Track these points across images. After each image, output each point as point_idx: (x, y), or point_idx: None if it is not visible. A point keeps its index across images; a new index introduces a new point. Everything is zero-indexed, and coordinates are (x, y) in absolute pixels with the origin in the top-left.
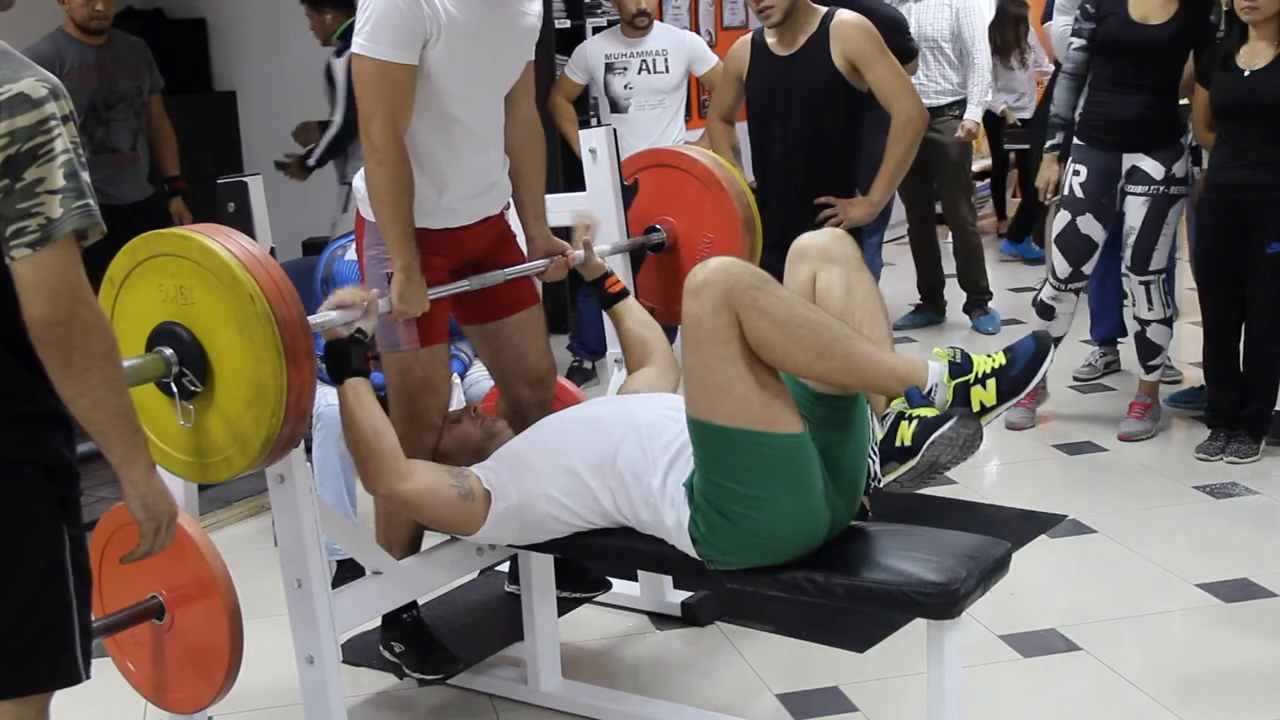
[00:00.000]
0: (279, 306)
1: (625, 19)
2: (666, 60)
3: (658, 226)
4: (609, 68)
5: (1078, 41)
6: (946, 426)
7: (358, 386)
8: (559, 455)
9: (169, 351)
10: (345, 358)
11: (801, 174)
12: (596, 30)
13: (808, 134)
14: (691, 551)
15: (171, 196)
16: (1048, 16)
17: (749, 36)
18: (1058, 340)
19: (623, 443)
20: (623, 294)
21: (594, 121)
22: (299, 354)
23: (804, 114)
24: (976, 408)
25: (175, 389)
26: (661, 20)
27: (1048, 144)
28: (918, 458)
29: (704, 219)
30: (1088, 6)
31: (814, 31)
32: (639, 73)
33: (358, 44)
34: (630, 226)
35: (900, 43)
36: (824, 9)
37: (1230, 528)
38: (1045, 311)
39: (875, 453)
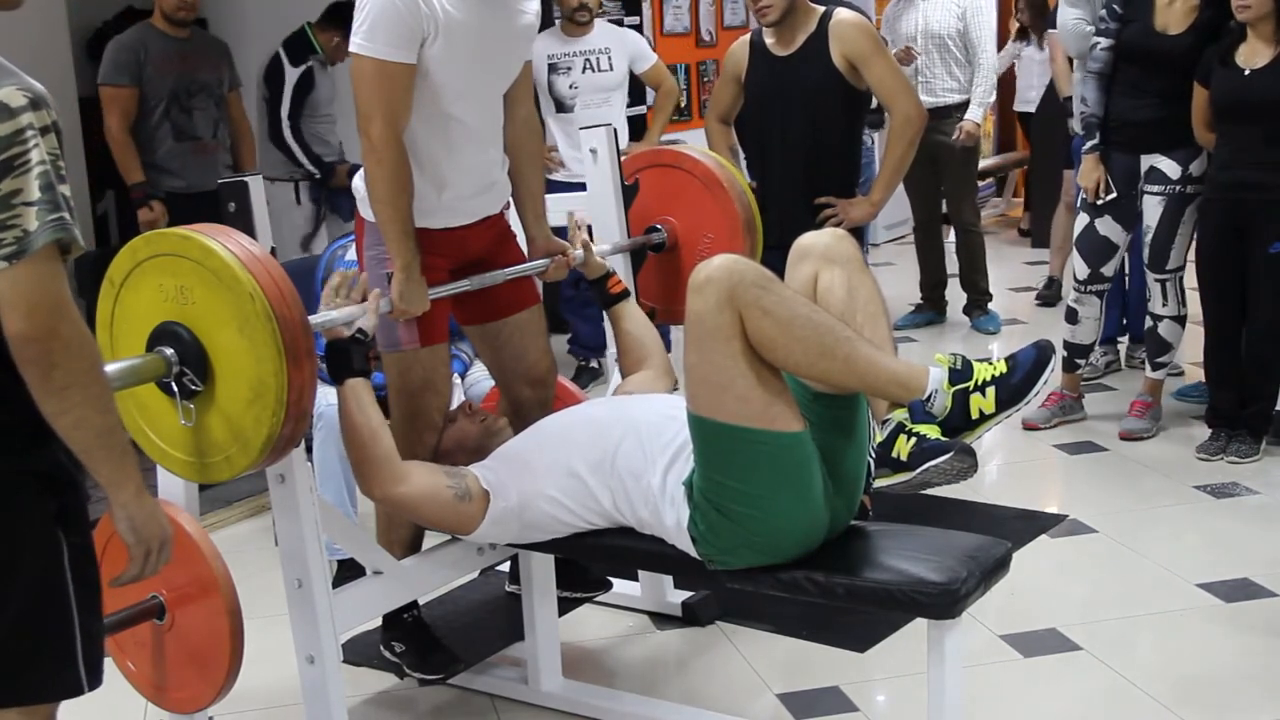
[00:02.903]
0: (279, 306)
1: (565, 14)
2: (610, 58)
3: (658, 226)
4: (552, 68)
5: (1104, 41)
6: (943, 459)
7: (357, 387)
8: (559, 456)
9: (169, 351)
10: (346, 357)
11: (803, 174)
12: None
13: (808, 134)
14: (691, 551)
15: None
16: None
17: (747, 37)
18: (1088, 348)
19: (622, 442)
20: (624, 295)
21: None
22: (299, 353)
23: (804, 114)
24: (975, 415)
25: (176, 388)
26: (661, 20)
27: (1088, 145)
28: (912, 475)
29: (704, 219)
30: (1115, 7)
31: (813, 31)
32: (583, 71)
33: (355, 43)
34: (630, 226)
35: None
36: (822, 8)
37: (1230, 528)
38: (1070, 315)
39: (873, 454)
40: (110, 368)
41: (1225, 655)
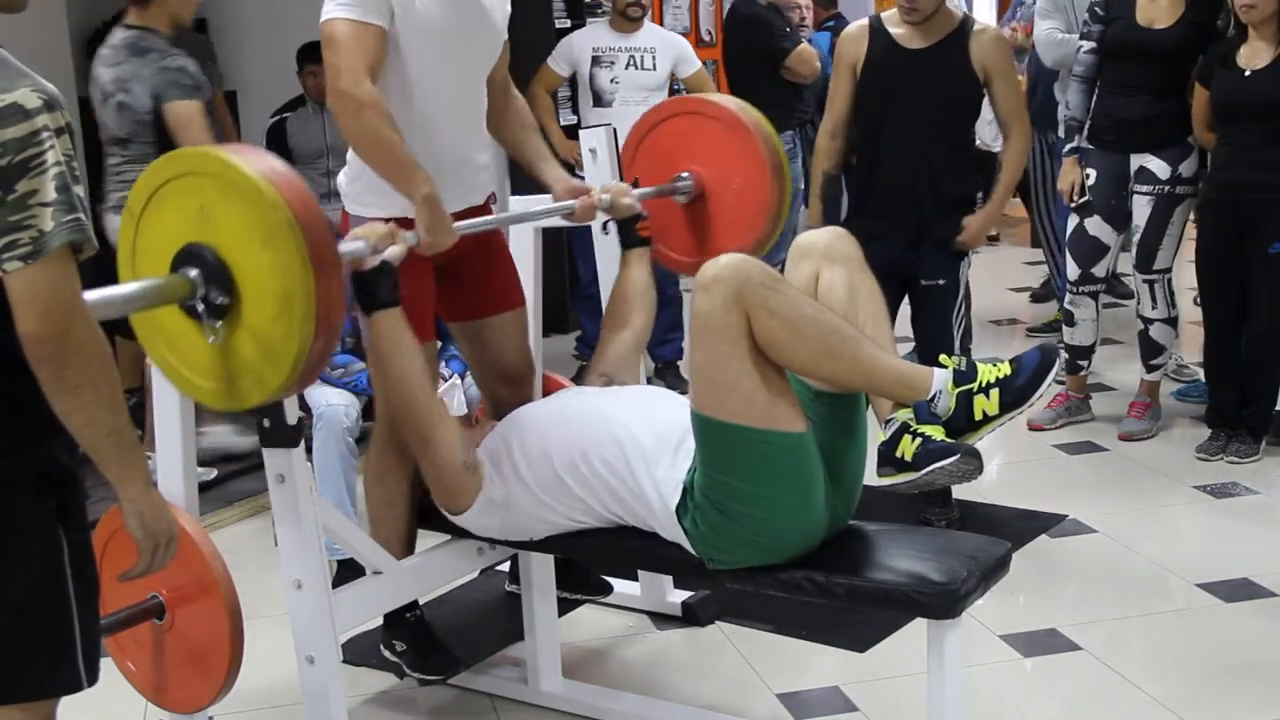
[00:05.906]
0: (303, 214)
1: (617, 9)
2: (654, 58)
3: (685, 174)
4: (595, 60)
5: (1087, 45)
6: (949, 460)
7: (391, 318)
8: (539, 451)
9: (194, 272)
10: (373, 288)
11: (926, 169)
12: None
13: (936, 130)
14: (684, 542)
15: None
16: None
17: (864, 23)
18: (1089, 349)
19: (598, 437)
20: (645, 242)
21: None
22: (326, 264)
23: (936, 111)
24: (979, 416)
25: (202, 307)
26: (661, 20)
27: (1066, 148)
28: (916, 476)
29: (731, 166)
30: (1096, 10)
31: (953, 31)
32: (626, 68)
33: (327, 10)
34: (656, 176)
35: (777, 45)
36: (961, 13)
37: (1230, 528)
38: (1067, 318)
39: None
40: (134, 286)
41: (1225, 655)
